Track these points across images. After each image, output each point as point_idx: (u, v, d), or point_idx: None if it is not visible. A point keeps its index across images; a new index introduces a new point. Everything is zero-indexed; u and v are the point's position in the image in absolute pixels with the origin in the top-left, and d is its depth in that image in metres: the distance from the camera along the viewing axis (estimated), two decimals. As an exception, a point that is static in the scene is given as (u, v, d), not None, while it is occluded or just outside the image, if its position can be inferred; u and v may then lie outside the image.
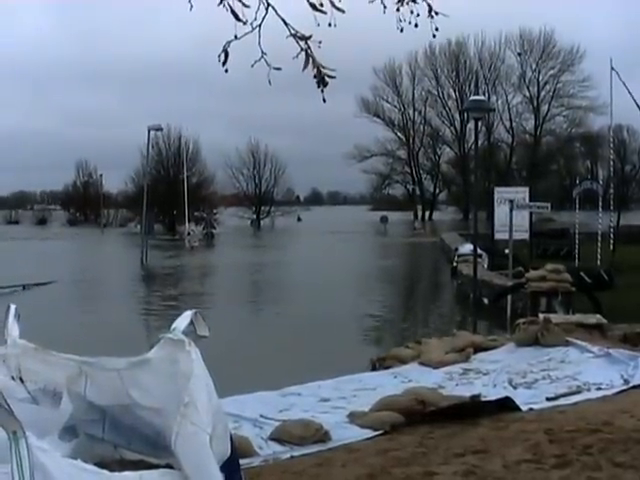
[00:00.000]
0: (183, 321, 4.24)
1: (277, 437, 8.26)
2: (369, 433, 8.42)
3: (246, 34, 4.97)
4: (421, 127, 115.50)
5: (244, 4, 4.93)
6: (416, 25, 5.21)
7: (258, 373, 14.38)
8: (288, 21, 4.98)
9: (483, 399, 9.24)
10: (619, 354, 11.87)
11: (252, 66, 5.10)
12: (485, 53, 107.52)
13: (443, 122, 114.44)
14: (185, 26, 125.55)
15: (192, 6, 5.03)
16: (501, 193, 27.58)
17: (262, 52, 5.03)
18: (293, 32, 4.93)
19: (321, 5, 4.93)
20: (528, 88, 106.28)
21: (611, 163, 38.28)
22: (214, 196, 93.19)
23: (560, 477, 6.43)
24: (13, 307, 4.64)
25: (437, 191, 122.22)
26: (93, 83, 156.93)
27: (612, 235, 32.61)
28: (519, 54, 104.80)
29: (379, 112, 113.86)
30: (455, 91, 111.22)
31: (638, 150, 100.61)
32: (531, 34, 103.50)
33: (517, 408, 8.98)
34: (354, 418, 8.90)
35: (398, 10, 5.20)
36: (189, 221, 68.06)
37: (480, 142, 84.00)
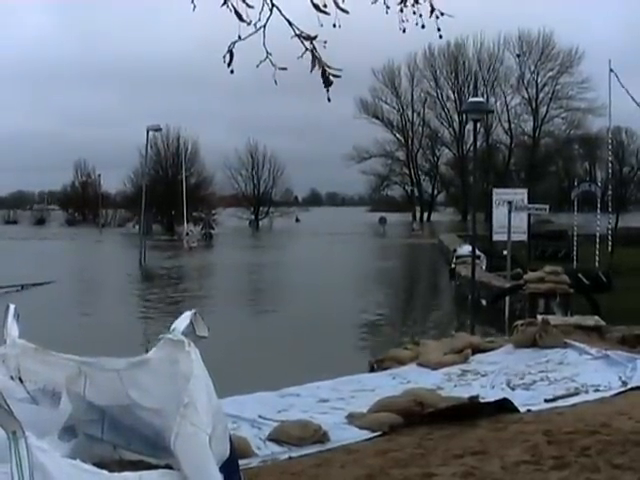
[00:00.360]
0: (182, 322, 4.24)
1: (276, 438, 8.26)
2: (368, 434, 8.42)
3: (251, 35, 4.97)
4: (420, 128, 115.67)
5: (248, 4, 4.93)
6: (423, 26, 5.21)
7: (257, 374, 14.37)
8: (291, 22, 4.98)
9: (481, 400, 9.24)
10: (617, 356, 11.89)
11: (257, 66, 5.10)
12: (484, 54, 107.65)
13: (442, 123, 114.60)
14: (186, 27, 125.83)
15: (195, 6, 5.03)
16: (500, 195, 27.67)
17: (267, 52, 5.02)
18: (298, 32, 4.93)
19: (325, 6, 4.93)
20: (527, 89, 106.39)
21: (609, 165, 38.25)
22: (213, 197, 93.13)
23: (558, 478, 6.44)
24: (12, 307, 4.64)
25: (436, 192, 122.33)
26: (92, 83, 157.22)
27: (610, 237, 32.60)
28: (518, 55, 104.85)
29: (378, 113, 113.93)
30: (454, 92, 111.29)
31: (637, 152, 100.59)
32: (530, 35, 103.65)
33: (515, 409, 8.99)
34: (353, 419, 8.91)
35: (401, 11, 5.20)
36: (187, 221, 67.99)
37: (479, 143, 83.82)
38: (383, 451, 7.63)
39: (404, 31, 5.32)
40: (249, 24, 4.99)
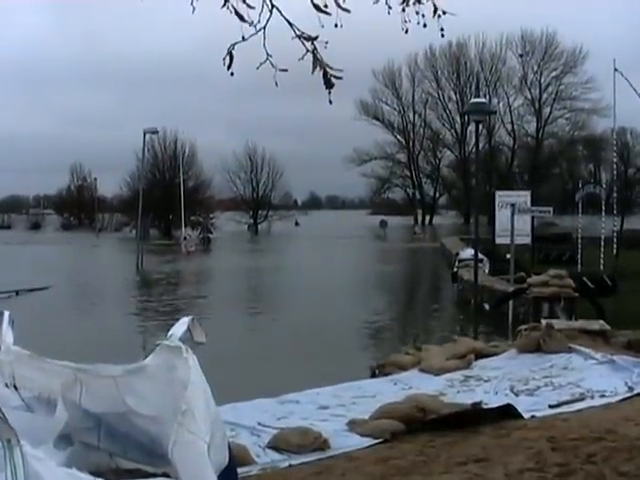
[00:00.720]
0: (180, 328, 4.25)
1: (275, 445, 8.26)
2: (369, 441, 8.42)
3: (251, 36, 4.97)
4: (421, 130, 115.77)
5: (249, 5, 4.93)
6: (424, 25, 5.20)
7: (256, 380, 14.37)
8: (292, 23, 4.98)
9: (484, 406, 9.24)
10: (623, 361, 11.87)
11: (257, 68, 5.10)
12: (486, 55, 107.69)
13: (443, 125, 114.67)
14: (184, 27, 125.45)
15: (194, 8, 5.03)
16: (502, 197, 27.62)
17: (267, 54, 5.02)
18: (299, 33, 4.93)
19: (325, 6, 4.93)
20: (530, 90, 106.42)
21: (614, 166, 38.36)
22: (211, 200, 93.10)
23: (563, 486, 6.44)
24: (7, 313, 4.65)
25: (437, 195, 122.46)
26: (88, 85, 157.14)
27: (615, 240, 32.60)
28: (521, 55, 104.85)
29: (378, 115, 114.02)
30: (455, 93, 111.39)
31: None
32: (533, 35, 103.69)
33: (519, 416, 8.98)
34: (353, 426, 8.90)
35: (404, 10, 5.20)
36: (185, 226, 67.96)
37: (481, 145, 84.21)
38: (384, 459, 7.62)
39: (406, 31, 5.31)
40: (250, 25, 5.00)
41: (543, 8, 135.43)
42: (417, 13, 5.16)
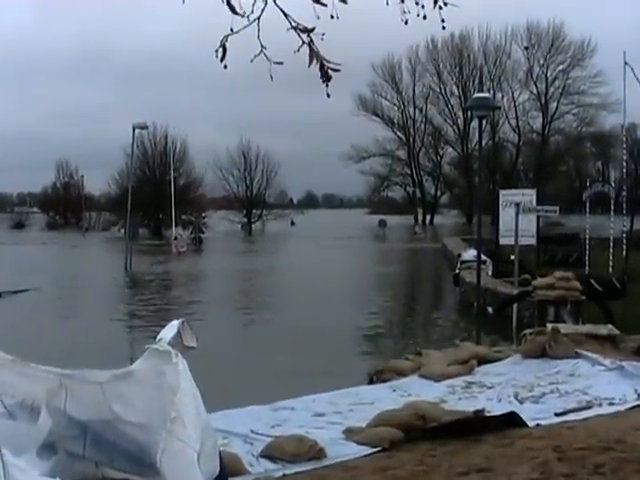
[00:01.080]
0: (169, 331, 4.25)
1: (269, 454, 8.26)
2: (366, 450, 8.42)
3: (244, 27, 4.96)
4: (422, 126, 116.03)
5: (241, -5, 4.93)
6: (425, 17, 5.19)
7: (249, 386, 14.37)
8: (287, 14, 4.97)
9: (487, 414, 9.24)
10: (632, 367, 11.88)
11: (252, 61, 5.09)
12: (490, 47, 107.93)
13: (445, 120, 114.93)
14: (174, 19, 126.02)
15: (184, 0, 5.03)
16: (506, 196, 27.70)
17: (262, 46, 5.01)
18: (294, 25, 4.92)
19: (322, -4, 4.93)
20: (536, 84, 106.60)
21: (624, 164, 38.31)
22: (203, 199, 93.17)
23: (569, 497, 6.44)
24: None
25: (439, 193, 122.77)
26: (75, 79, 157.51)
27: (625, 241, 32.62)
28: (526, 48, 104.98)
29: (377, 110, 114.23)
30: (458, 88, 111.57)
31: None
32: (539, 27, 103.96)
33: (524, 424, 8.98)
34: (350, 434, 8.90)
35: (402, 1, 5.19)
36: (176, 225, 67.98)
37: (484, 142, 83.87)
38: (383, 468, 7.62)
39: (406, 23, 5.29)
40: (243, 16, 4.99)
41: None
42: (417, 4, 5.14)
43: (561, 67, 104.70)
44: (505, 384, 11.52)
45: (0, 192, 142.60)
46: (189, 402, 3.99)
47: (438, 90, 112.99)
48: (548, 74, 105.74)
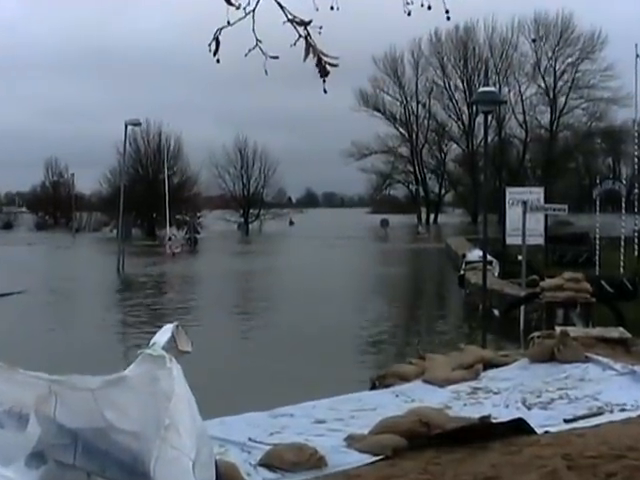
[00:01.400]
0: (163, 335, 4.25)
1: (267, 463, 8.25)
2: (368, 458, 8.41)
3: (239, 20, 4.96)
4: (425, 122, 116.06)
5: (237, -14, 4.93)
6: (429, 7, 5.19)
7: (246, 392, 14.37)
8: (283, 6, 4.96)
9: (494, 421, 9.23)
10: (644, 371, 11.89)
11: (246, 55, 5.09)
12: (496, 39, 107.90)
13: (449, 116, 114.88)
14: (168, 12, 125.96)
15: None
16: (513, 194, 27.69)
17: (257, 39, 5.01)
18: (291, 17, 4.92)
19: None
20: (543, 78, 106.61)
21: (635, 160, 38.30)
22: (198, 197, 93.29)
23: (579, 507, 6.43)
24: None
25: (443, 192, 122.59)
26: (65, 74, 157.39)
27: (637, 240, 32.65)
28: (534, 40, 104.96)
29: (379, 105, 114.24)
30: (463, 82, 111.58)
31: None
32: (547, 18, 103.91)
33: (531, 431, 8.97)
34: (352, 441, 8.89)
35: (405, -8, 5.19)
36: (170, 225, 68.00)
37: (490, 138, 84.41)
38: (385, 477, 7.62)
39: (409, 14, 5.29)
40: (238, 8, 4.99)
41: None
42: (420, -6, 5.15)
43: (570, 60, 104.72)
44: (512, 389, 11.51)
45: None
46: (184, 409, 3.99)
47: (442, 84, 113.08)
48: (556, 67, 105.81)
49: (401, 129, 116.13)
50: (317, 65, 4.97)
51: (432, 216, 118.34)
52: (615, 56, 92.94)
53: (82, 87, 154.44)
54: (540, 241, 28.06)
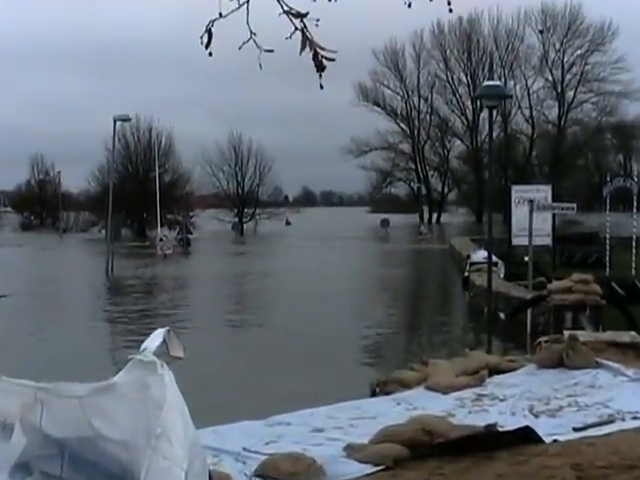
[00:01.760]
0: (155, 340, 4.24)
1: (263, 473, 8.25)
2: (369, 468, 8.41)
3: (232, 11, 4.95)
4: (427, 117, 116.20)
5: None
6: (431, -1, 5.19)
7: (241, 400, 14.37)
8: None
9: (500, 429, 9.24)
10: (657, 378, 11.90)
11: (240, 49, 5.08)
12: (501, 31, 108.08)
13: (453, 111, 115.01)
14: (159, 3, 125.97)
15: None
16: (519, 192, 27.70)
17: (251, 32, 5.01)
18: (286, 9, 4.91)
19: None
20: (551, 71, 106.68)
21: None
22: (190, 196, 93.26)
23: (589, 519, 6.44)
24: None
25: (446, 190, 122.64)
26: (52, 67, 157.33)
27: (649, 240, 32.66)
28: (541, 32, 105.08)
29: (379, 100, 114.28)
30: (466, 75, 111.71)
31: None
32: (555, 8, 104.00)
33: (539, 440, 8.98)
34: (352, 451, 8.89)
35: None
36: (161, 225, 68.07)
37: (495, 134, 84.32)
38: (387, 488, 7.62)
39: (409, 5, 5.29)
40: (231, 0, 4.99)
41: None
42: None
43: (579, 52, 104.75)
44: (519, 396, 11.52)
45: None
46: (176, 417, 3.98)
47: (445, 78, 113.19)
48: (565, 60, 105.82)
49: (402, 125, 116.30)
50: (314, 59, 4.97)
51: (435, 215, 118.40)
52: (626, 48, 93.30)
53: (69, 81, 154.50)
54: (547, 241, 28.06)
